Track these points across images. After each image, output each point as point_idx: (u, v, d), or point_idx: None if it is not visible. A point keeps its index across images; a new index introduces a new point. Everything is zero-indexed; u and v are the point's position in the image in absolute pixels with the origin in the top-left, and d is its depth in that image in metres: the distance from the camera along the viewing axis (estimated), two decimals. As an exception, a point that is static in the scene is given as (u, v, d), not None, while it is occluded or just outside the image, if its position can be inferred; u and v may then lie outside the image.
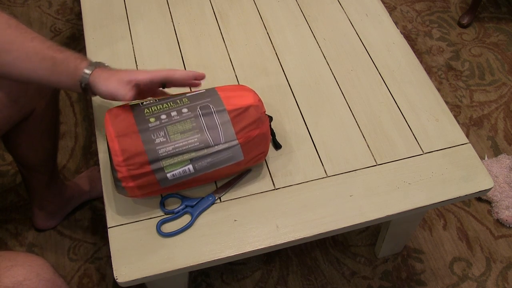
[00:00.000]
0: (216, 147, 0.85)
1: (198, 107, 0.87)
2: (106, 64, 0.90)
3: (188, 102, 0.88)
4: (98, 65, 0.87)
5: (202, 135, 0.85)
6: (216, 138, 0.85)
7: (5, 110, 0.99)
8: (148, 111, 0.86)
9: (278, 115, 1.05)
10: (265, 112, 0.92)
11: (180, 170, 0.85)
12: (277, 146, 1.00)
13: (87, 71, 0.85)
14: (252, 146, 0.89)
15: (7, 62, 0.85)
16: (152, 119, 0.85)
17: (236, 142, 0.86)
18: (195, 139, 0.84)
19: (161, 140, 0.83)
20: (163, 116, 0.85)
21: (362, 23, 1.22)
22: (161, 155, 0.83)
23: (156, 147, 0.83)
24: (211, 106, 0.87)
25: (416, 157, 1.00)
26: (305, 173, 0.98)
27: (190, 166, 0.85)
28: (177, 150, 0.83)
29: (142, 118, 0.85)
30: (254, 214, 0.92)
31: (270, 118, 0.96)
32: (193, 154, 0.84)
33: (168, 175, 0.85)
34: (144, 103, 0.88)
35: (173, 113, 0.86)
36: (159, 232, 0.89)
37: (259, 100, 0.91)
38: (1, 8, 1.93)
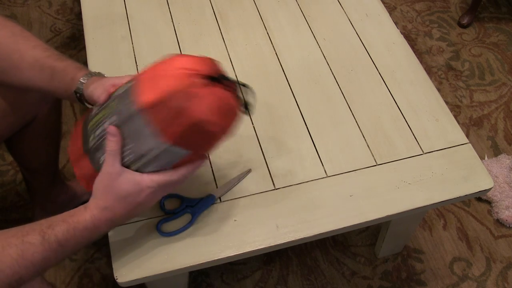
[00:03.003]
0: (150, 154, 0.74)
1: (119, 113, 0.75)
2: (105, 75, 0.88)
3: (116, 106, 0.76)
4: (95, 75, 0.85)
5: (132, 145, 0.75)
6: (143, 145, 0.73)
7: (8, 117, 0.99)
8: (91, 124, 0.79)
9: (278, 115, 1.05)
10: (205, 82, 0.70)
11: None
12: (247, 111, 0.78)
13: (82, 81, 0.83)
14: (194, 137, 0.73)
15: (8, 69, 0.85)
16: (91, 138, 0.79)
17: (164, 145, 0.72)
18: (129, 151, 0.75)
19: (103, 159, 0.76)
20: (98, 131, 0.77)
21: (362, 23, 1.22)
22: None
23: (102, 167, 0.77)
24: (130, 108, 0.73)
25: (416, 157, 1.00)
26: (305, 173, 0.97)
27: None
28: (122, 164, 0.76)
29: (86, 137, 0.80)
30: (254, 214, 0.92)
31: (248, 91, 0.77)
32: (137, 165, 0.76)
33: None
34: (94, 111, 0.80)
35: (106, 125, 0.76)
36: (159, 232, 0.89)
37: (189, 74, 0.69)
38: (2, 8, 1.93)
